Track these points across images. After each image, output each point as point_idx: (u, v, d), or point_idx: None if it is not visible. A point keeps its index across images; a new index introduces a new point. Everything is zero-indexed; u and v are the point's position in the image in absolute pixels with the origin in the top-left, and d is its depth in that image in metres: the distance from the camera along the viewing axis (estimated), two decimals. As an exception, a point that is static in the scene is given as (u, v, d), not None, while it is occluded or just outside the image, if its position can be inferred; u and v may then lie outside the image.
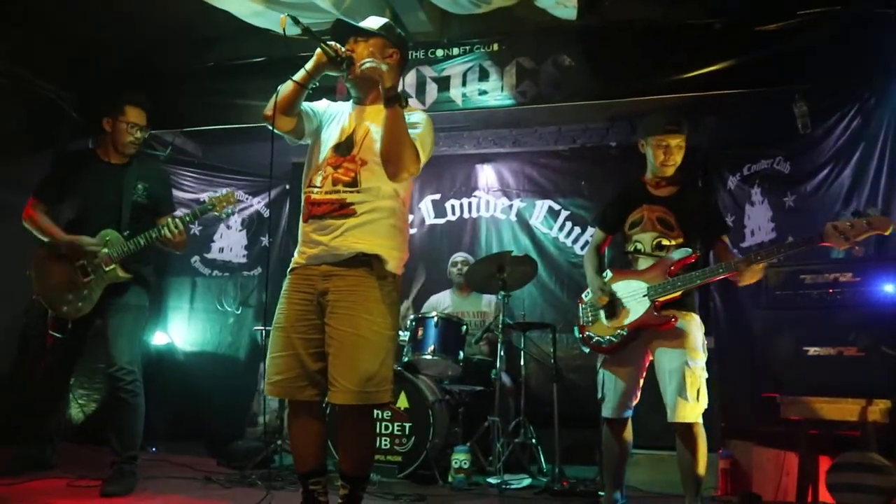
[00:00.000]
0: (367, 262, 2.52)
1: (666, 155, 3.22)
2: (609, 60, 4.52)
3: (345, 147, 2.61)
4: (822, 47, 4.15)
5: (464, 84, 4.70)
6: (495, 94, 4.64)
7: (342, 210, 2.53)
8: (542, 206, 5.71)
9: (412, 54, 4.77)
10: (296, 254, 2.65)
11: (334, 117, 2.72)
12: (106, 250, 3.55)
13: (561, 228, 5.63)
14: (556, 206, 5.67)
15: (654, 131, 3.25)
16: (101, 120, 3.72)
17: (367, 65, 2.48)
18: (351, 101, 2.76)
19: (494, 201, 5.84)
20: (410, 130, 2.50)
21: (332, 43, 2.58)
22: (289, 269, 2.67)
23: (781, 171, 4.78)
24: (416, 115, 2.64)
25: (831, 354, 3.87)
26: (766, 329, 4.19)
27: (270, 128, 2.64)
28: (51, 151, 5.09)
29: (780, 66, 4.27)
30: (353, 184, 2.54)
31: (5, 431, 4.56)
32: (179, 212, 3.83)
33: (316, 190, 2.59)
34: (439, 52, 4.76)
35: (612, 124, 5.67)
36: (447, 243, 5.79)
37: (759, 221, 4.89)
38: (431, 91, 4.75)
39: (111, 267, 3.55)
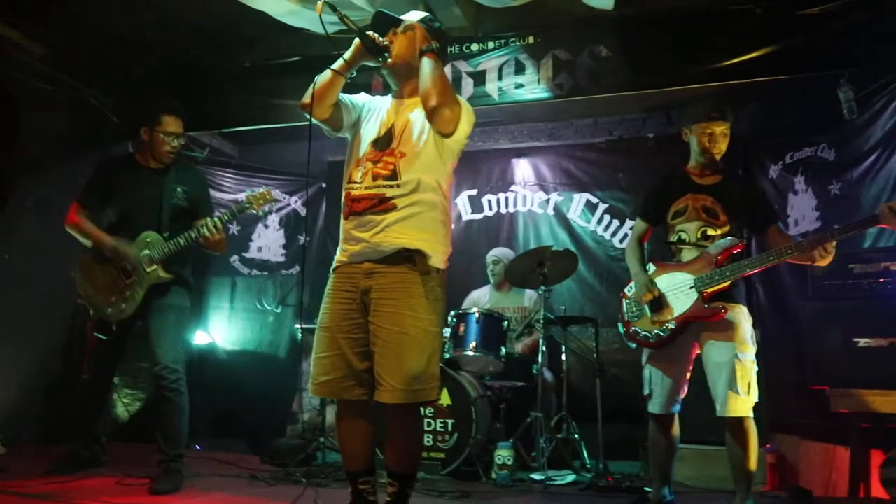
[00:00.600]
0: (410, 258, 2.49)
1: (711, 142, 3.17)
2: (647, 50, 4.46)
3: (384, 141, 2.59)
4: (866, 29, 4.04)
5: (500, 78, 4.67)
6: (532, 87, 4.60)
7: (382, 205, 2.50)
8: (580, 199, 5.65)
9: (447, 49, 4.77)
10: (338, 252, 2.64)
11: (373, 112, 2.70)
12: (147, 252, 3.62)
13: (599, 222, 5.57)
14: (594, 200, 5.61)
15: (698, 119, 3.20)
16: (139, 128, 3.79)
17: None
18: (390, 95, 2.75)
19: (531, 195, 5.80)
20: None
21: (370, 32, 2.58)
22: (331, 269, 2.66)
23: (826, 159, 4.67)
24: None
25: (882, 346, 3.78)
26: (813, 320, 4.11)
27: (308, 117, 2.62)
28: (92, 154, 5.19)
29: (824, 51, 4.17)
30: (393, 177, 2.51)
31: (57, 431, 4.70)
32: (217, 213, 3.88)
33: (356, 186, 2.57)
34: (474, 47, 4.74)
35: (649, 115, 5.60)
36: (485, 239, 5.75)
37: (803, 210, 4.78)
38: (467, 86, 4.73)
39: (153, 268, 3.62)
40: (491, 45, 4.71)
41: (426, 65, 2.47)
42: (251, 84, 5.25)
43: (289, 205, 6.12)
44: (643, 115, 5.60)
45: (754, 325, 4.01)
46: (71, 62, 4.92)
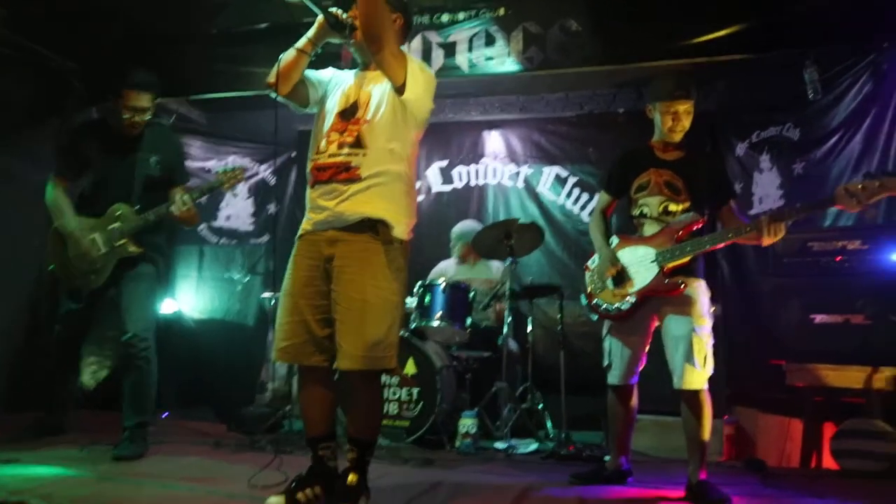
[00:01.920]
0: (373, 227, 2.53)
1: (674, 121, 3.18)
2: (617, 26, 4.49)
3: (349, 112, 2.62)
4: (832, 10, 4.10)
5: (470, 50, 4.67)
6: (502, 59, 4.61)
7: (347, 173, 2.54)
8: (550, 172, 5.68)
9: (418, 20, 4.74)
10: (303, 221, 2.67)
11: (339, 86, 2.73)
12: (118, 224, 3.60)
13: (568, 195, 5.60)
14: (564, 173, 5.64)
15: (662, 97, 3.22)
16: (107, 96, 3.72)
17: None
18: (356, 69, 2.75)
19: (502, 168, 5.81)
20: None
21: (334, 9, 2.57)
22: (297, 236, 2.69)
23: (790, 138, 4.75)
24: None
25: (838, 322, 3.90)
26: (772, 296, 4.22)
27: (274, 96, 2.66)
28: (55, 122, 5.09)
29: (790, 30, 4.23)
30: (357, 144, 2.55)
31: (21, 398, 4.66)
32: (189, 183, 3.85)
33: (322, 155, 2.60)
34: (444, 17, 4.72)
35: (620, 90, 5.60)
36: (454, 211, 5.77)
37: (767, 189, 4.86)
38: (438, 57, 4.72)
39: (122, 241, 3.60)
40: (461, 15, 4.69)
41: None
42: (219, 51, 5.19)
43: (258, 174, 6.07)
44: (614, 90, 5.59)
45: (716, 300, 4.12)
46: (33, 27, 4.78)
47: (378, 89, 2.61)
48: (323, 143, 2.62)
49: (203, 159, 5.92)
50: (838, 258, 3.94)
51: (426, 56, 4.73)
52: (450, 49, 4.69)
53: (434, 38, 4.73)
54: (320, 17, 2.59)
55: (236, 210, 6.05)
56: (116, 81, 3.67)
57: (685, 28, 4.43)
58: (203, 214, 5.84)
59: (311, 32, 2.63)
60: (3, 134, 4.78)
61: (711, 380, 3.08)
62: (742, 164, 5.06)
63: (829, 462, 3.87)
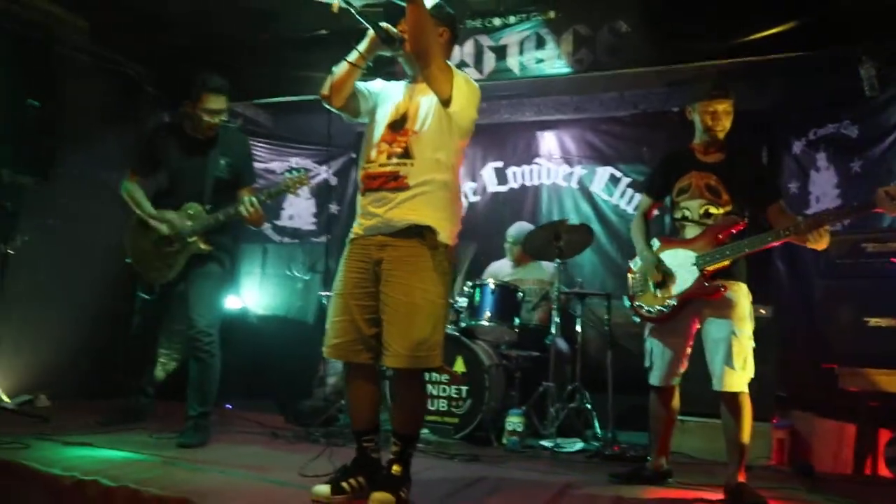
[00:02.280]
0: (420, 233, 2.65)
1: (714, 120, 3.18)
2: (666, 26, 4.47)
3: (399, 123, 2.73)
4: (889, 5, 3.98)
5: (521, 53, 4.74)
6: (552, 62, 4.66)
7: (395, 182, 2.66)
8: (604, 172, 5.69)
9: (470, 24, 4.84)
10: (354, 225, 2.81)
11: (389, 97, 2.84)
12: (189, 223, 3.83)
13: (622, 195, 5.61)
14: (618, 173, 5.65)
15: (700, 97, 3.23)
16: (183, 101, 3.95)
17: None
18: (406, 81, 2.87)
19: (556, 168, 5.85)
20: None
21: (385, 24, 2.70)
22: (348, 239, 2.83)
23: (848, 136, 4.64)
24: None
25: (893, 325, 3.83)
26: (826, 298, 4.16)
27: (327, 106, 2.82)
28: (130, 125, 5.42)
29: (846, 27, 4.15)
30: (406, 154, 2.67)
31: (106, 386, 5.00)
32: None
33: (371, 164, 2.74)
34: (496, 21, 4.80)
35: (673, 89, 5.56)
36: (509, 211, 5.84)
37: (824, 188, 4.77)
38: (489, 60, 4.81)
39: (193, 239, 3.83)
40: (513, 18, 4.76)
41: (410, 12, 2.56)
42: (281, 56, 5.39)
43: (319, 174, 6.28)
44: (668, 88, 5.55)
45: (769, 302, 4.09)
46: (109, 36, 5.12)
47: (426, 101, 2.72)
48: (373, 152, 2.75)
49: (267, 161, 6.17)
50: (893, 259, 3.86)
51: (478, 59, 4.83)
52: (501, 52, 4.77)
53: (486, 41, 4.82)
54: (371, 32, 2.72)
55: (299, 210, 6.29)
56: (194, 86, 3.88)
57: (738, 26, 4.38)
58: (267, 214, 6.10)
59: (362, 46, 2.74)
60: (82, 137, 5.12)
61: (759, 382, 3.09)
62: (799, 162, 4.97)
63: (884, 470, 3.80)
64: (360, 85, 2.86)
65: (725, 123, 3.20)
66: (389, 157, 2.70)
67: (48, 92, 4.56)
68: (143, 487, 2.69)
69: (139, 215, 3.92)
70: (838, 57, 4.41)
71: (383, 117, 2.79)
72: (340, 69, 2.77)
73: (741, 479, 2.98)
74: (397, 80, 2.93)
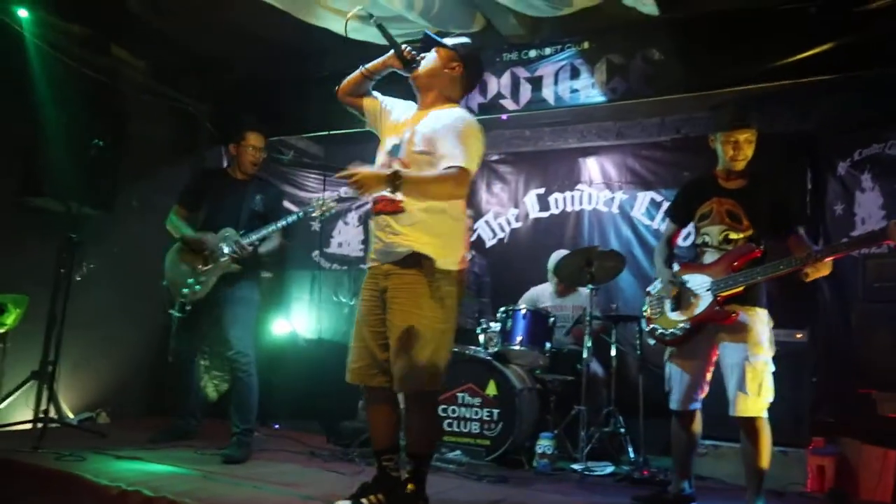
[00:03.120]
0: (419, 262, 2.75)
1: (735, 150, 3.21)
2: (698, 52, 4.51)
3: (396, 149, 2.86)
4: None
5: (556, 83, 4.84)
6: (586, 91, 4.75)
7: (393, 206, 2.77)
8: (644, 197, 5.71)
9: (507, 56, 4.99)
10: (368, 251, 2.97)
11: (398, 119, 2.97)
12: (223, 244, 4.11)
13: (663, 219, 5.59)
14: (658, 198, 5.65)
15: (722, 127, 3.26)
16: (227, 144, 4.30)
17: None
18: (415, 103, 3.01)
19: (597, 194, 5.89)
20: (449, 127, 2.75)
21: (404, 46, 2.88)
22: (366, 266, 2.98)
23: (893, 156, 4.54)
24: (457, 112, 2.86)
25: (932, 350, 3.71)
26: (863, 322, 4.08)
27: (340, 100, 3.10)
28: (189, 158, 5.79)
29: (883, 46, 4.08)
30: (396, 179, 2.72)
31: (156, 405, 5.32)
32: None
33: None
34: (532, 53, 4.92)
35: (716, 113, 5.55)
36: (551, 237, 5.89)
37: (869, 209, 4.67)
38: (525, 91, 4.93)
39: (225, 258, 4.09)
40: (548, 50, 4.88)
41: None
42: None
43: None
44: (710, 112, 5.55)
45: (805, 326, 4.03)
46: (168, 77, 5.49)
47: (427, 129, 2.80)
48: None
49: (317, 190, 6.42)
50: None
51: (514, 90, 4.96)
52: (536, 83, 4.89)
53: (522, 73, 4.95)
54: (392, 50, 2.90)
55: (347, 237, 6.52)
56: (238, 126, 4.28)
57: (776, 49, 4.37)
58: (317, 241, 6.37)
59: (380, 58, 2.95)
60: (145, 170, 5.49)
61: (794, 408, 3.05)
62: (844, 183, 4.88)
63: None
64: (381, 99, 3.06)
65: (747, 152, 3.22)
66: (390, 184, 2.74)
67: (113, 130, 4.92)
68: (179, 499, 2.90)
69: (179, 238, 4.26)
70: (881, 77, 4.34)
71: (388, 141, 2.93)
72: (353, 74, 3.03)
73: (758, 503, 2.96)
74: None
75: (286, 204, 5.51)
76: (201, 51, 5.23)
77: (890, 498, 3.80)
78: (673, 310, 3.26)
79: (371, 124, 3.09)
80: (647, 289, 3.51)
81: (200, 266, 4.15)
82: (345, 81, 3.04)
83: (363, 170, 2.61)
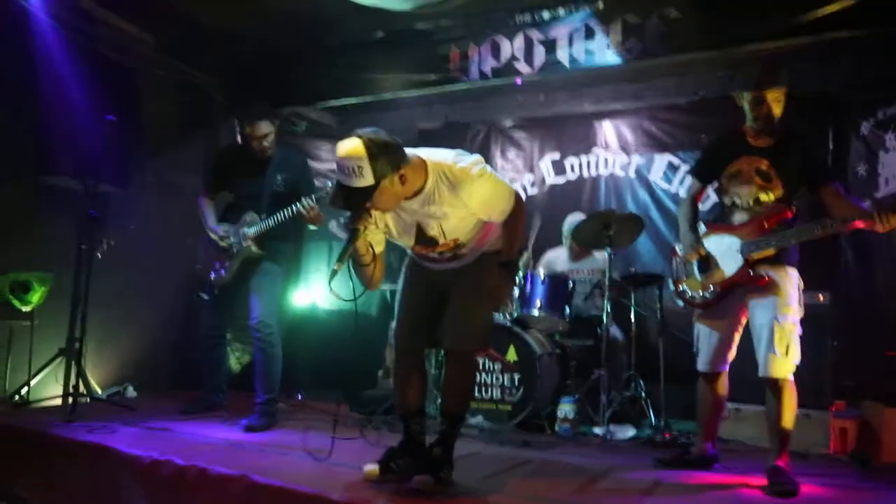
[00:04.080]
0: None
1: (762, 109, 3.11)
2: (715, 9, 4.41)
3: (424, 238, 2.80)
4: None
5: (570, 45, 4.77)
6: (601, 52, 4.68)
7: (454, 257, 2.91)
8: (662, 161, 5.64)
9: (519, 18, 4.91)
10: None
11: (387, 223, 2.81)
12: (245, 229, 4.14)
13: (681, 182, 5.54)
14: (676, 161, 5.59)
15: (748, 85, 3.17)
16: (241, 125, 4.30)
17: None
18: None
19: (613, 158, 5.84)
20: (468, 201, 2.66)
21: (352, 230, 2.59)
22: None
23: (919, 115, 4.47)
24: (443, 184, 2.65)
25: (959, 309, 3.68)
26: (888, 282, 4.02)
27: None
28: (202, 133, 5.79)
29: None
30: (456, 247, 2.85)
31: (182, 379, 5.39)
32: (318, 182, 4.39)
33: (422, 255, 2.98)
34: (545, 15, 4.84)
35: (735, 73, 5.45)
36: (567, 202, 5.84)
37: (893, 169, 4.61)
38: (539, 54, 4.87)
39: (247, 244, 4.13)
40: (562, 11, 4.79)
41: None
42: (343, 60, 5.60)
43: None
44: (729, 72, 5.46)
45: (828, 288, 4.00)
46: (178, 51, 5.46)
47: (445, 213, 2.71)
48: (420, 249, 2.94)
49: (332, 161, 6.39)
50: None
51: (528, 53, 4.90)
52: (551, 45, 4.81)
53: (535, 35, 4.87)
54: (350, 243, 2.60)
55: (365, 208, 6.49)
56: (245, 114, 4.24)
57: (798, 4, 4.27)
58: (333, 212, 6.34)
59: (348, 250, 2.61)
60: (161, 145, 5.51)
61: (816, 371, 3.03)
62: (867, 143, 4.82)
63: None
64: (373, 236, 2.74)
65: (776, 111, 3.11)
66: (443, 253, 2.88)
67: (125, 106, 4.91)
68: (210, 465, 2.95)
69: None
70: (905, 34, 4.25)
71: (404, 237, 2.83)
72: (364, 276, 2.74)
73: (779, 463, 2.96)
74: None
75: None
76: (210, 23, 5.15)
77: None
78: (702, 272, 3.23)
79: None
80: (674, 247, 3.47)
81: (225, 253, 4.23)
82: (368, 283, 2.76)
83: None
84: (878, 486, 3.11)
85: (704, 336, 3.29)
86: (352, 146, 2.46)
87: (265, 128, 4.17)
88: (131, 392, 5.14)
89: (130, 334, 5.31)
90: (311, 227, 4.27)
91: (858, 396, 4.45)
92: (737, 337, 3.25)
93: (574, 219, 5.21)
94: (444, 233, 2.76)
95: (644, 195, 5.67)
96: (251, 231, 4.13)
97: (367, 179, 2.44)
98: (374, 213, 2.63)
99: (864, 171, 4.75)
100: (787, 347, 2.99)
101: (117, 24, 5.05)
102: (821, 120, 5.03)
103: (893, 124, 4.63)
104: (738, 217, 3.21)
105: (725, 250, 3.19)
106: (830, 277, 4.45)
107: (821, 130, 5.02)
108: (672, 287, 3.44)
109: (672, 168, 5.60)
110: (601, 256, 5.10)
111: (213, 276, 4.26)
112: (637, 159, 5.74)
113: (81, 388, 4.21)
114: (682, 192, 5.53)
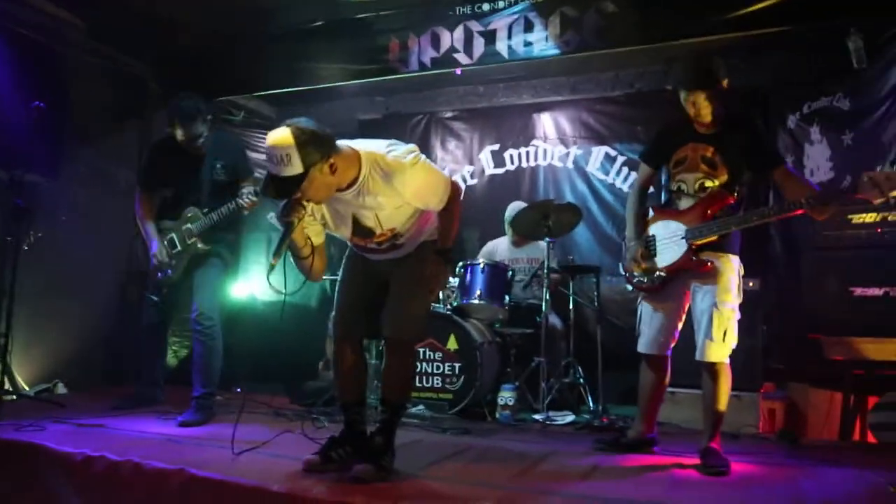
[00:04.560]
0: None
1: (695, 108, 3.13)
2: (652, 4, 4.50)
3: (361, 230, 2.80)
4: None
5: (509, 37, 4.79)
6: (540, 44, 4.71)
7: (393, 248, 2.90)
8: (599, 152, 5.76)
9: (460, 10, 4.92)
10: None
11: (325, 216, 2.82)
12: (188, 226, 4.05)
13: (618, 173, 5.67)
14: (613, 152, 5.71)
15: (681, 84, 3.18)
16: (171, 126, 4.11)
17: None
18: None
19: (552, 149, 5.93)
20: (401, 191, 2.66)
21: (288, 215, 2.59)
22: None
23: (840, 109, 4.68)
24: (377, 175, 2.64)
25: (877, 295, 3.87)
26: (813, 269, 4.20)
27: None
28: (136, 122, 5.62)
29: (833, 1, 4.14)
30: (394, 237, 2.84)
31: (117, 373, 5.23)
32: (258, 173, 4.31)
33: (360, 246, 2.96)
34: (485, 6, 4.86)
35: (670, 67, 5.58)
36: (507, 192, 5.90)
37: (817, 161, 4.81)
38: (478, 45, 4.88)
39: (192, 240, 4.05)
40: (501, 3, 4.82)
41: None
42: (280, 49, 5.51)
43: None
44: (664, 66, 5.59)
45: (758, 275, 4.13)
46: (111, 36, 5.27)
47: (379, 209, 2.74)
48: (357, 241, 2.94)
49: (269, 152, 6.29)
50: (878, 230, 3.90)
51: (468, 44, 4.90)
52: (490, 37, 4.83)
53: (475, 26, 4.88)
54: (286, 233, 2.62)
55: (304, 198, 6.41)
56: (171, 114, 4.03)
57: (720, 3, 4.38)
58: (272, 203, 6.24)
59: (286, 240, 2.64)
60: (93, 135, 5.31)
61: (746, 354, 3.11)
62: (793, 135, 5.02)
63: (871, 436, 3.87)
64: (311, 229, 2.78)
65: (711, 108, 3.11)
66: (381, 244, 2.86)
67: (54, 93, 4.72)
68: (145, 461, 2.88)
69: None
70: (830, 30, 4.43)
71: (342, 228, 2.82)
72: (304, 267, 2.80)
73: (711, 444, 3.06)
74: None
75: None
76: (145, 9, 5.01)
77: (836, 436, 3.99)
78: (647, 258, 3.29)
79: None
80: (626, 233, 3.53)
81: (169, 250, 4.12)
82: (315, 276, 2.83)
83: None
84: (803, 462, 3.23)
85: (647, 315, 3.35)
86: (280, 135, 2.45)
87: (198, 128, 4.00)
88: (61, 389, 4.96)
89: (60, 330, 5.11)
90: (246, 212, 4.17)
91: (786, 378, 4.66)
92: (679, 323, 3.30)
93: (514, 207, 5.27)
94: (380, 223, 2.76)
95: (582, 186, 5.77)
96: (195, 228, 4.03)
97: (296, 168, 2.44)
98: (310, 205, 2.63)
99: (791, 161, 4.93)
100: (725, 333, 3.07)
101: (45, 8, 4.83)
102: (751, 112, 5.16)
103: (818, 118, 4.83)
104: (684, 203, 3.25)
105: (671, 235, 3.24)
106: (761, 265, 4.62)
107: (740, 119, 5.18)
108: (622, 271, 3.50)
109: (609, 159, 5.72)
110: (541, 245, 5.18)
111: (160, 276, 4.14)
112: (575, 150, 5.84)
113: (7, 386, 4.05)
114: (619, 183, 5.66)
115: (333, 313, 3.04)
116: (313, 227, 2.78)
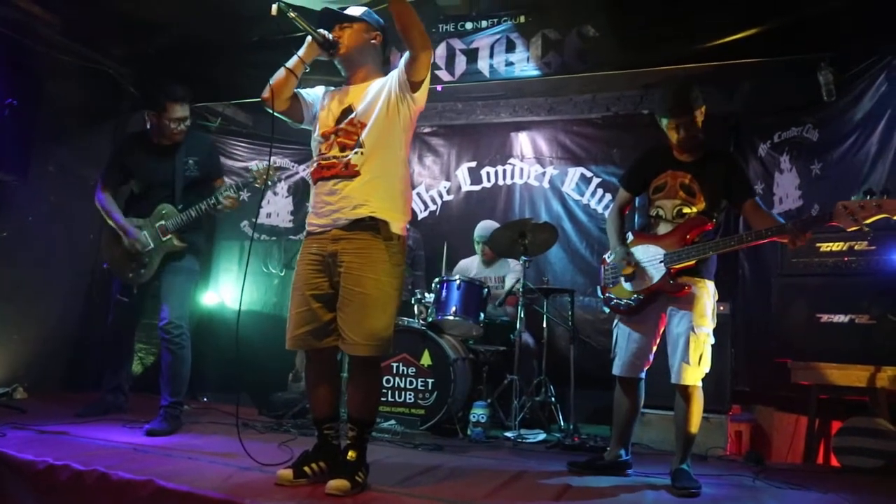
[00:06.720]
0: (374, 226, 2.75)
1: (677, 134, 3.22)
2: (634, 30, 4.59)
3: (343, 116, 2.84)
4: (848, 14, 4.11)
5: (491, 56, 4.85)
6: (521, 65, 4.78)
7: (347, 170, 2.76)
8: (575, 173, 5.82)
9: (443, 27, 4.97)
10: (309, 218, 2.91)
11: (331, 99, 2.94)
12: (162, 222, 3.97)
13: (592, 195, 5.73)
14: (588, 174, 5.77)
15: (661, 111, 3.28)
16: (147, 111, 4.08)
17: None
18: (343, 84, 2.98)
19: (528, 168, 5.97)
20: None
21: (321, 30, 2.82)
22: (304, 234, 2.94)
23: (810, 139, 4.78)
24: None
25: (843, 322, 3.95)
26: (781, 295, 4.28)
27: (270, 110, 2.90)
28: (109, 123, 5.52)
29: (807, 33, 4.26)
30: (357, 144, 2.78)
31: (79, 380, 5.10)
32: (229, 180, 4.23)
33: (324, 157, 2.84)
34: (468, 25, 4.92)
35: (647, 92, 5.69)
36: (483, 210, 5.94)
37: (786, 189, 4.91)
38: (460, 63, 4.92)
39: (168, 237, 3.97)
40: (484, 23, 4.88)
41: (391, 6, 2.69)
42: (259, 58, 5.47)
43: (297, 173, 6.37)
44: (641, 91, 5.70)
45: (726, 299, 4.21)
46: (88, 35, 5.19)
47: (372, 92, 2.83)
48: (324, 146, 2.85)
49: (246, 160, 6.25)
50: (846, 259, 3.99)
51: (450, 61, 4.95)
52: (472, 55, 4.89)
53: (458, 44, 4.94)
54: (309, 38, 2.83)
55: (277, 208, 6.38)
56: (159, 95, 4.00)
57: (706, 31, 4.48)
58: (246, 212, 6.20)
59: (302, 51, 2.87)
60: (62, 134, 5.20)
61: (716, 377, 3.16)
62: (764, 164, 5.12)
63: (835, 460, 3.94)
64: (302, 92, 2.96)
65: (691, 134, 3.22)
66: (342, 148, 2.79)
67: (26, 91, 4.63)
68: (111, 471, 2.80)
69: (110, 225, 4.07)
70: (802, 62, 4.54)
71: (329, 115, 2.89)
72: (278, 75, 2.86)
73: (684, 466, 3.10)
74: (336, 86, 3.00)
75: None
76: (123, 9, 4.94)
77: (801, 459, 4.06)
78: (629, 281, 3.33)
79: (307, 121, 2.99)
80: (604, 256, 3.56)
81: (140, 248, 4.00)
82: (271, 86, 2.83)
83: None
84: (769, 485, 3.28)
85: (623, 337, 3.37)
86: None
87: (184, 111, 4.00)
88: (21, 394, 4.82)
89: (20, 333, 4.97)
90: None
91: (752, 401, 4.74)
92: (654, 346, 3.34)
93: (484, 225, 5.30)
94: (359, 109, 2.80)
95: (557, 206, 5.82)
96: (170, 224, 3.97)
97: (357, 12, 2.89)
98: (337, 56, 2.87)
99: (761, 189, 5.03)
100: (700, 357, 3.12)
101: (17, 2, 4.73)
102: (723, 141, 5.30)
103: (787, 147, 4.93)
104: (662, 228, 3.31)
105: (650, 259, 3.29)
106: (730, 289, 4.70)
107: (719, 149, 5.29)
108: (600, 293, 3.53)
109: (585, 180, 5.78)
110: (510, 263, 5.22)
111: (130, 275, 4.05)
112: (551, 171, 5.89)
113: (-36, 389, 3.93)
114: (594, 204, 5.73)
115: (288, 322, 2.93)
116: (309, 94, 2.97)
